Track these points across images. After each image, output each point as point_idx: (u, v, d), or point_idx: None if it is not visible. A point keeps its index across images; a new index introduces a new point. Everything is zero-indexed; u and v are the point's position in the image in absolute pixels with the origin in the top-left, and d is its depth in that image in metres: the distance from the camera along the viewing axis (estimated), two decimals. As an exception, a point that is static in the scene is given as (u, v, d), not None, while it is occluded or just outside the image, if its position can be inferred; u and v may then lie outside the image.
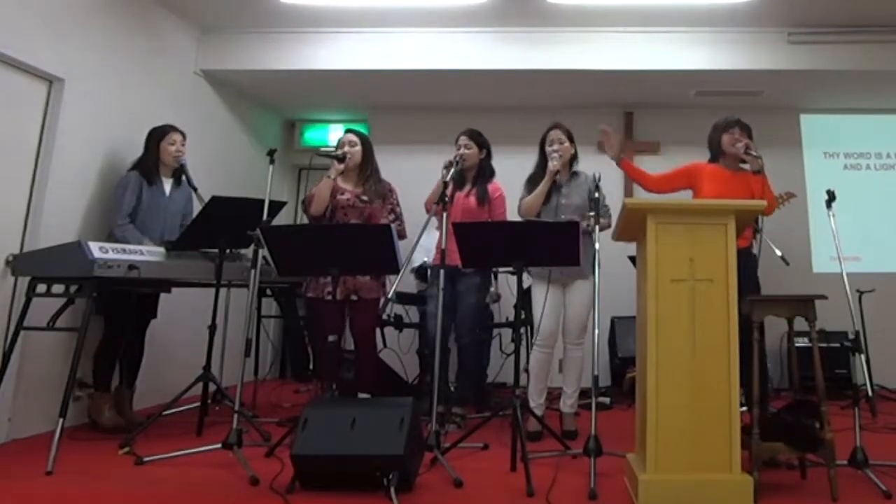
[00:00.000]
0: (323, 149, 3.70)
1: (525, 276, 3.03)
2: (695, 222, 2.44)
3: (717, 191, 3.29)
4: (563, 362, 3.48)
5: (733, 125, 3.39)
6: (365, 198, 3.54)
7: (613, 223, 2.81)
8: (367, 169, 3.60)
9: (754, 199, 3.15)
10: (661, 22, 4.47)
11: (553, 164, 3.40)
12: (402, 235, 3.61)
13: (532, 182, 3.55)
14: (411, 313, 4.67)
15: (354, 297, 3.40)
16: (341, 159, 3.46)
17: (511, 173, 3.74)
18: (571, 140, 3.54)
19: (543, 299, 3.33)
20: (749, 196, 3.19)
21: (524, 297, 3.14)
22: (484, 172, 3.74)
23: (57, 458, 2.63)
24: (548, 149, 3.51)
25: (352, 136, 3.61)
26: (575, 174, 3.58)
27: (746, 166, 3.38)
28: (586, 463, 2.57)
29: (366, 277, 3.40)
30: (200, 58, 4.71)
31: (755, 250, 3.36)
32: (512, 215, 3.65)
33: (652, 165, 5.42)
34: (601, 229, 3.20)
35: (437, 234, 3.53)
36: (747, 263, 3.32)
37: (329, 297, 3.34)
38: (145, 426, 3.08)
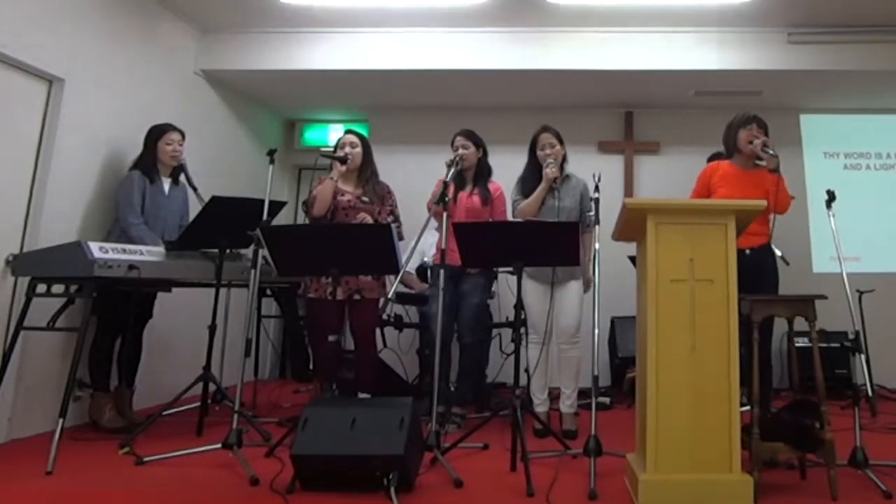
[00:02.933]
0: (324, 150, 3.69)
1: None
2: (695, 222, 2.44)
3: (731, 192, 3.28)
4: (560, 362, 3.49)
5: (751, 121, 3.37)
6: (366, 199, 3.55)
7: (614, 224, 2.80)
8: (367, 170, 3.61)
9: (768, 197, 3.15)
10: (661, 22, 4.47)
11: (552, 172, 3.43)
12: (399, 237, 3.62)
13: (524, 184, 3.58)
14: (411, 313, 4.67)
15: (357, 297, 3.41)
16: (343, 160, 3.46)
17: (512, 173, 3.74)
18: (561, 142, 3.57)
19: (535, 296, 3.42)
20: (763, 194, 3.18)
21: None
22: (483, 171, 3.75)
23: (57, 458, 2.63)
24: (539, 153, 3.53)
25: (352, 138, 3.61)
26: (567, 177, 3.60)
27: (762, 163, 3.37)
28: (586, 463, 2.57)
29: (368, 277, 3.40)
30: (200, 58, 4.71)
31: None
32: (510, 216, 3.66)
33: (652, 165, 5.46)
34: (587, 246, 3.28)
35: (436, 234, 3.54)
36: (767, 262, 3.32)
37: (331, 297, 3.35)
38: (145, 426, 3.08)
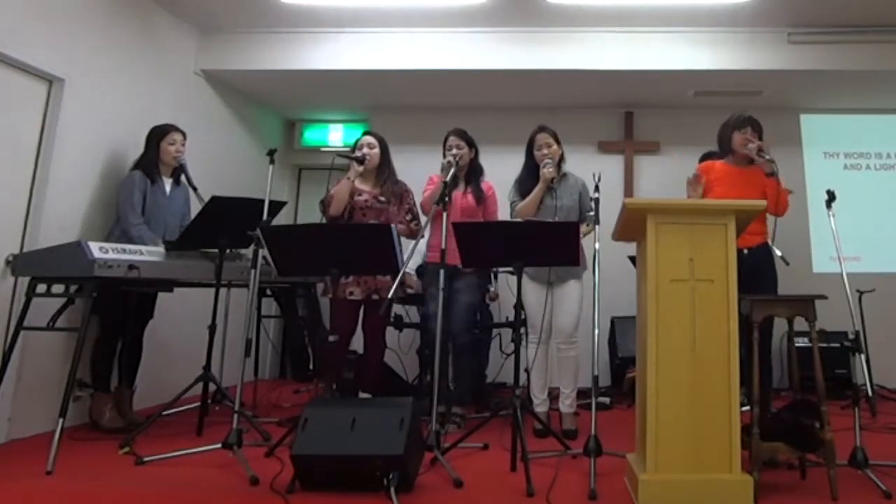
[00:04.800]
0: (342, 150, 3.73)
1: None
2: (695, 222, 2.44)
3: (726, 191, 3.28)
4: (558, 362, 3.49)
5: (746, 123, 3.37)
6: (382, 199, 3.58)
7: (614, 224, 2.80)
8: (384, 170, 3.65)
9: (764, 195, 3.14)
10: (661, 22, 4.47)
11: (549, 173, 3.43)
12: (418, 235, 3.62)
13: (521, 184, 3.58)
14: (411, 313, 4.67)
15: (376, 296, 3.43)
16: (361, 161, 3.50)
17: (511, 173, 3.74)
18: (558, 142, 3.58)
19: (534, 296, 3.42)
20: (759, 193, 3.18)
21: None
22: (476, 171, 3.77)
23: (57, 458, 2.63)
24: (537, 153, 3.54)
25: (370, 139, 3.65)
26: (564, 176, 3.61)
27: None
28: (586, 463, 2.57)
29: (386, 277, 3.41)
30: (200, 58, 4.71)
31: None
32: (506, 217, 3.66)
33: (652, 165, 5.46)
34: (583, 235, 3.28)
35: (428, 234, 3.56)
36: (765, 261, 3.32)
37: (351, 297, 3.36)
38: (145, 426, 3.09)
